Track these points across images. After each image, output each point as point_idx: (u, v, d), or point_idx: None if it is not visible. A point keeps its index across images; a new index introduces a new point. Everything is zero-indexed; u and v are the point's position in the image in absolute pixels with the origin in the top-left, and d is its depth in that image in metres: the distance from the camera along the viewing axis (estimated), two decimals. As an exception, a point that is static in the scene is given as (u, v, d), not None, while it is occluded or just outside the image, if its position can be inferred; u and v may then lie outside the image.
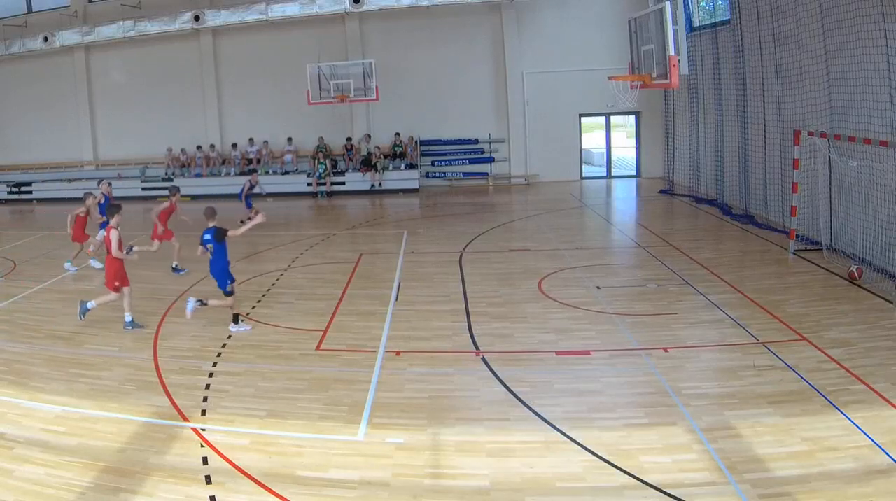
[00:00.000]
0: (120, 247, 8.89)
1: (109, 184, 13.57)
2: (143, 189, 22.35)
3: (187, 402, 6.75)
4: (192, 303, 9.05)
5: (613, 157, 23.22)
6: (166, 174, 22.48)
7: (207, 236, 8.79)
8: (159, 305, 10.00)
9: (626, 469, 5.35)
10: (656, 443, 5.76)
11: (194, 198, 21.85)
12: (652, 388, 6.83)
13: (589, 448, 5.69)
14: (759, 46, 14.00)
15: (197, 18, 20.27)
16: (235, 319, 8.93)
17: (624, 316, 8.96)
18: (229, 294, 8.90)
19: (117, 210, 9.21)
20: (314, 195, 21.36)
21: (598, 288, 10.19)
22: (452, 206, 18.98)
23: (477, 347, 8.08)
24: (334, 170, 21.77)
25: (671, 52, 10.32)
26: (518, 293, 10.11)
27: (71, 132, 23.27)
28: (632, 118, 23.24)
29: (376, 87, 19.46)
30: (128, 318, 9.03)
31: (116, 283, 9.02)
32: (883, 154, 9.84)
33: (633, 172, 22.76)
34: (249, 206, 15.57)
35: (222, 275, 8.84)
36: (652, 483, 5.16)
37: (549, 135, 21.55)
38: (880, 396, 6.33)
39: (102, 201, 12.80)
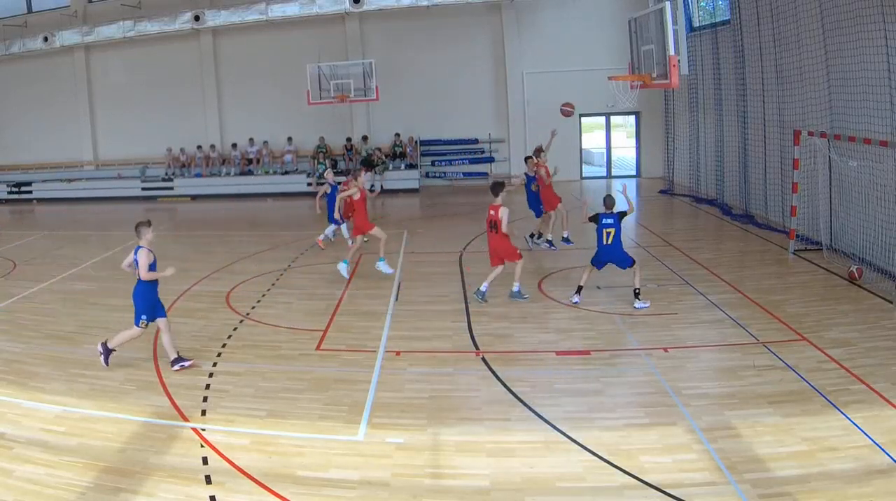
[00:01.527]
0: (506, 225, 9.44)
1: (331, 171, 13.91)
2: (143, 189, 22.39)
3: (187, 402, 6.75)
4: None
5: (613, 157, 23.21)
6: (166, 174, 22.50)
7: (610, 220, 9.24)
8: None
9: (626, 469, 5.35)
10: (656, 443, 5.76)
11: (194, 198, 21.92)
12: (652, 388, 6.83)
13: (589, 448, 5.69)
14: (759, 46, 14.00)
15: (197, 18, 20.27)
16: (637, 294, 9.26)
17: (624, 316, 8.96)
18: (633, 263, 9.37)
19: (502, 187, 9.68)
20: (314, 195, 21.32)
21: (599, 288, 10.18)
22: (452, 206, 18.98)
23: (477, 347, 8.08)
24: (334, 171, 21.74)
25: (671, 52, 10.31)
26: (518, 293, 10.11)
27: (71, 132, 23.28)
28: (632, 118, 23.23)
29: (376, 87, 19.45)
30: (516, 288, 9.61)
31: (505, 259, 9.58)
32: (883, 154, 9.83)
33: (633, 172, 22.76)
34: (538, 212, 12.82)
35: (626, 255, 9.40)
36: (652, 483, 5.16)
37: (549, 135, 21.49)
38: (880, 396, 6.32)
39: (329, 191, 13.02)
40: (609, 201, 9.42)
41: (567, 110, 13.45)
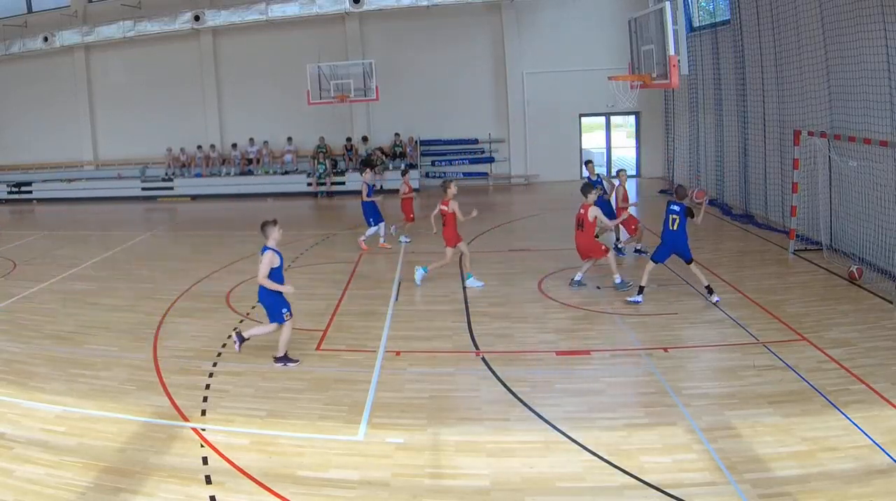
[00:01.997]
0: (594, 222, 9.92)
1: (373, 173, 13.96)
2: (143, 189, 22.39)
3: (187, 402, 6.75)
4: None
5: (613, 157, 23.21)
6: (166, 174, 22.50)
7: (676, 208, 9.29)
8: (159, 305, 10.00)
9: (626, 469, 5.35)
10: (656, 443, 5.76)
11: (194, 198, 21.92)
12: (652, 388, 6.83)
13: (589, 448, 5.69)
14: (759, 46, 14.00)
15: (197, 18, 20.27)
16: (710, 290, 9.29)
17: (624, 316, 8.96)
18: (692, 260, 9.49)
19: (592, 188, 10.06)
20: (314, 195, 21.36)
21: (599, 288, 10.19)
22: (452, 206, 18.93)
23: (477, 347, 8.08)
24: (334, 170, 21.78)
25: (671, 52, 10.31)
26: (518, 293, 10.11)
27: (71, 132, 23.28)
28: (632, 118, 23.23)
29: (376, 87, 19.45)
30: (618, 280, 9.90)
31: (591, 256, 10.04)
32: (883, 154, 9.83)
33: (634, 172, 22.75)
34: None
35: (688, 248, 9.45)
36: (652, 483, 5.16)
37: (549, 135, 21.54)
38: (880, 396, 6.33)
39: (367, 191, 12.98)
40: (681, 191, 9.53)
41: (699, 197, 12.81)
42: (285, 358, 7.69)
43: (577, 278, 10.19)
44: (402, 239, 13.57)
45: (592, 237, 10.00)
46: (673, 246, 9.42)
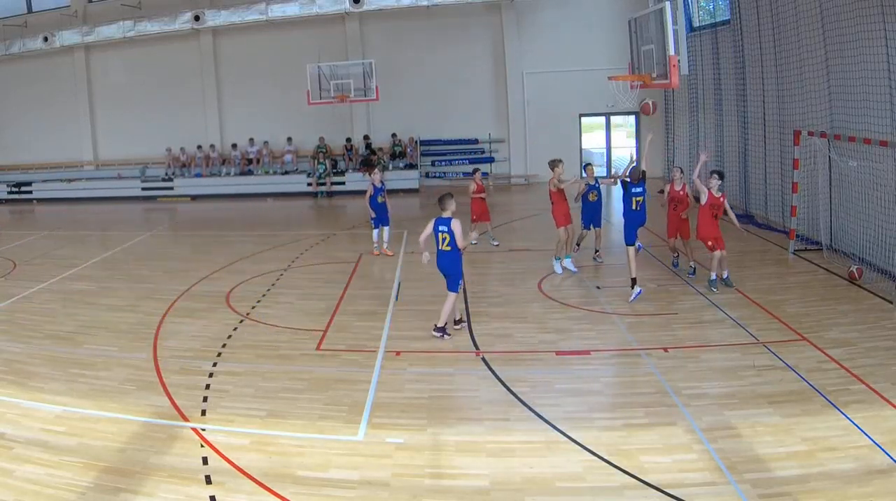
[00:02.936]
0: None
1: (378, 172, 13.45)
2: (143, 189, 22.38)
3: (187, 402, 6.75)
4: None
5: (613, 157, 23.20)
6: (166, 174, 22.50)
7: (639, 189, 9.83)
8: (159, 305, 10.00)
9: (626, 469, 5.36)
10: (656, 443, 5.76)
11: (194, 198, 21.92)
12: (652, 388, 6.83)
13: (589, 448, 5.69)
14: (759, 46, 14.00)
15: (197, 18, 20.26)
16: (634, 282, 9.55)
17: (624, 316, 8.96)
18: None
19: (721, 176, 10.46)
20: (314, 195, 21.37)
21: (598, 288, 10.19)
22: (452, 206, 18.93)
23: (477, 347, 8.08)
24: (334, 171, 21.78)
25: (671, 52, 10.32)
26: (518, 293, 10.11)
27: (71, 132, 23.27)
28: (632, 118, 23.22)
29: (376, 87, 19.42)
30: (713, 276, 9.87)
31: (710, 243, 9.90)
32: (883, 154, 9.84)
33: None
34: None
35: (645, 218, 10.02)
36: (652, 483, 5.17)
37: (549, 135, 21.51)
38: (880, 396, 6.33)
39: (373, 192, 12.62)
40: (635, 173, 9.76)
41: (647, 107, 11.76)
42: (444, 329, 8.16)
43: (713, 277, 9.78)
44: (492, 241, 13.31)
45: (705, 219, 10.02)
46: (638, 222, 9.74)
